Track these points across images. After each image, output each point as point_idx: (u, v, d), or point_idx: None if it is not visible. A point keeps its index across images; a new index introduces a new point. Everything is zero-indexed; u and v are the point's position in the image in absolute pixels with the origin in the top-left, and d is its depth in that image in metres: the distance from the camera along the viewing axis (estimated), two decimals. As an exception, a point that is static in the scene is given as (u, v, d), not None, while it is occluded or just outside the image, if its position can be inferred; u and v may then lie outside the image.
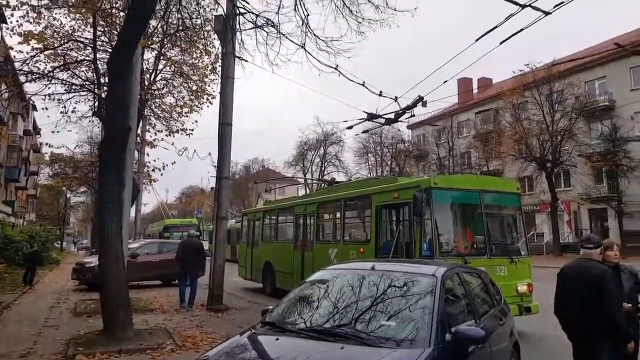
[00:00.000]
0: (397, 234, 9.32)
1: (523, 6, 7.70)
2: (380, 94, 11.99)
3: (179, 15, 11.36)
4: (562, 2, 7.39)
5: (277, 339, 3.59)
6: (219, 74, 12.25)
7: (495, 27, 8.45)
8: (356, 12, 8.71)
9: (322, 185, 21.85)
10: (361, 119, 13.65)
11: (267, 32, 9.35)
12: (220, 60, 12.18)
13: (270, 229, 15.40)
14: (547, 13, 7.72)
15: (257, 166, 61.09)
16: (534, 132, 32.10)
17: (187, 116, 13.97)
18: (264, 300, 12.42)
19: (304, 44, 9.28)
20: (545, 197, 32.95)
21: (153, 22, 12.38)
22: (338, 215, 11.75)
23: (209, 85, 13.66)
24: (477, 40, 9.25)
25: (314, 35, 9.08)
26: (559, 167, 32.27)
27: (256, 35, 9.56)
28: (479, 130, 40.47)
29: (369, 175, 43.54)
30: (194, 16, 11.72)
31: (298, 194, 44.87)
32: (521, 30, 8.50)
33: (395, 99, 12.32)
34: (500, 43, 9.19)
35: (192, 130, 14.05)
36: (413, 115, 12.88)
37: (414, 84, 63.96)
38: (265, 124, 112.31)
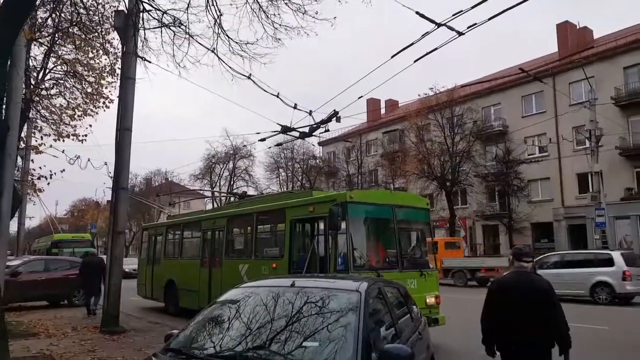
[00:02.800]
0: (311, 248, 9.09)
1: (439, 25, 7.93)
2: (295, 107, 11.79)
3: (73, 9, 10.25)
4: (475, 24, 7.71)
5: (181, 369, 3.10)
6: (119, 75, 11.25)
7: (412, 44, 8.61)
8: (272, 16, 8.39)
9: (233, 199, 21.10)
10: (275, 131, 13.32)
11: (174, 31, 8.65)
12: (120, 61, 11.19)
13: (174, 244, 14.56)
14: (460, 33, 8.01)
15: (159, 178, 57.90)
16: (436, 153, 34.09)
17: (80, 120, 12.57)
18: (166, 321, 11.62)
19: (216, 47, 8.74)
20: (444, 214, 34.94)
21: (42, 14, 11.08)
22: (249, 229, 11.27)
23: (106, 88, 12.44)
24: (392, 57, 9.40)
25: (227, 37, 8.57)
26: (457, 186, 34.53)
27: (162, 34, 8.83)
28: (386, 149, 42.13)
29: (280, 190, 43.25)
30: (91, 11, 10.67)
31: (205, 208, 43.17)
32: (435, 49, 8.72)
33: (310, 113, 12.19)
34: (415, 61, 9.41)
35: (86, 135, 12.63)
36: (327, 130, 12.84)
37: (328, 98, 65.38)
38: (169, 133, 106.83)
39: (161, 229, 15.56)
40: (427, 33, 8.14)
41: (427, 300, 8.71)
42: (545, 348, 3.92)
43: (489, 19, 7.66)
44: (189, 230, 13.99)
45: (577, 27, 34.25)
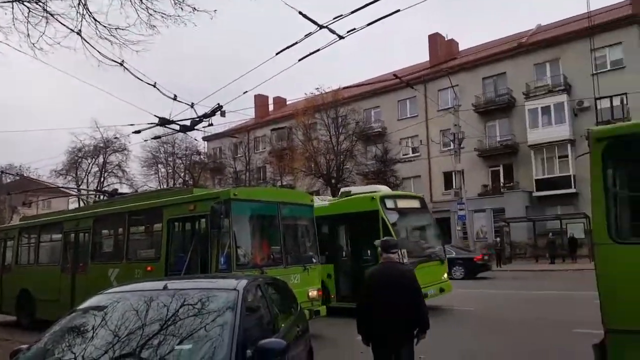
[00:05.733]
0: (191, 248, 8.73)
1: (321, 27, 8.10)
2: (174, 98, 11.17)
3: None
4: (355, 29, 8.02)
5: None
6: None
7: (295, 43, 8.73)
8: (147, 2, 7.84)
9: (102, 197, 19.38)
10: (152, 123, 12.47)
11: (29, 7, 7.68)
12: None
13: (29, 249, 13.05)
14: (341, 37, 8.30)
15: (12, 174, 50.78)
16: (322, 151, 35.10)
17: None
18: (17, 336, 10.19)
19: (80, 29, 7.92)
20: (330, 211, 36.01)
21: None
22: (121, 230, 10.50)
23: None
24: (277, 53, 9.44)
25: (94, 19, 7.85)
26: (341, 183, 35.81)
27: (13, 9, 7.78)
28: (275, 146, 42.23)
29: (159, 188, 40.94)
30: None
31: (68, 207, 39.07)
32: (317, 50, 8.96)
33: (192, 105, 11.67)
34: (299, 60, 9.56)
35: None
36: (211, 125, 12.41)
37: (211, 92, 63.20)
38: (24, 124, 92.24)
39: (13, 232, 13.80)
40: (310, 33, 8.31)
41: (310, 294, 9.02)
42: (411, 330, 4.35)
43: (368, 24, 8.06)
44: (48, 233, 12.67)
45: (446, 39, 37.65)
